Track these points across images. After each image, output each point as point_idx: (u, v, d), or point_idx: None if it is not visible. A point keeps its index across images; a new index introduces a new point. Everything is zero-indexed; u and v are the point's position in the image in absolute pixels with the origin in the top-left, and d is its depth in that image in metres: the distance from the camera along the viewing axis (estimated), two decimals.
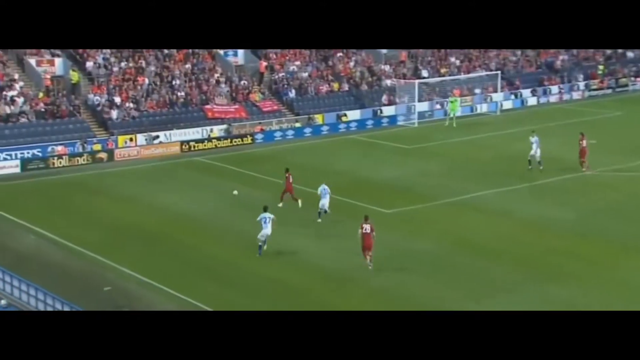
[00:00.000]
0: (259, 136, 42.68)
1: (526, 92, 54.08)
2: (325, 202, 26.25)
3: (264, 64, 48.24)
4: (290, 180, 27.95)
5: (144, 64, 45.40)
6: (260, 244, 23.12)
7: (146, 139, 40.22)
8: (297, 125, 44.63)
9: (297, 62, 50.20)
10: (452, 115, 45.60)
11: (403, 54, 53.93)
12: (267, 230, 23.00)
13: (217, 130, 42.52)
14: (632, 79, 58.55)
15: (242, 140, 41.94)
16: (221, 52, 48.82)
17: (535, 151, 32.69)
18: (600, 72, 58.29)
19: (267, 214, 23.18)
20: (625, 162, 33.64)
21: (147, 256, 23.44)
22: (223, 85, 46.36)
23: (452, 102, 46.80)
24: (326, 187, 26.45)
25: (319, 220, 26.20)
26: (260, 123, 43.71)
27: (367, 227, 21.68)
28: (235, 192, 27.02)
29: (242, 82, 47.10)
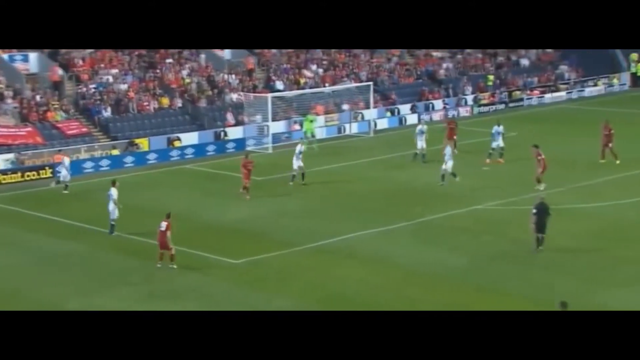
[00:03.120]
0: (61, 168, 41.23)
1: (404, 108, 56.31)
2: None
3: (59, 71, 46.85)
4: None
5: None
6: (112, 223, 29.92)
7: None
8: (114, 152, 43.73)
9: (114, 70, 49.29)
10: (309, 137, 46.48)
11: (250, 60, 54.49)
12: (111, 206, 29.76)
13: (2, 160, 40.74)
14: (527, 92, 62.74)
15: (39, 174, 40.34)
16: (5, 55, 46.92)
17: (447, 163, 36.77)
18: (488, 82, 61.96)
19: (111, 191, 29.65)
20: (522, 192, 35.76)
21: None
22: (9, 101, 44.49)
23: (308, 121, 47.73)
24: None
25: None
26: (61, 150, 42.35)
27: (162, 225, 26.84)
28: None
29: (36, 97, 45.44)
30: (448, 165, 36.68)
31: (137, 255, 28.39)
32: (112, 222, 30.51)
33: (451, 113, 56.74)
